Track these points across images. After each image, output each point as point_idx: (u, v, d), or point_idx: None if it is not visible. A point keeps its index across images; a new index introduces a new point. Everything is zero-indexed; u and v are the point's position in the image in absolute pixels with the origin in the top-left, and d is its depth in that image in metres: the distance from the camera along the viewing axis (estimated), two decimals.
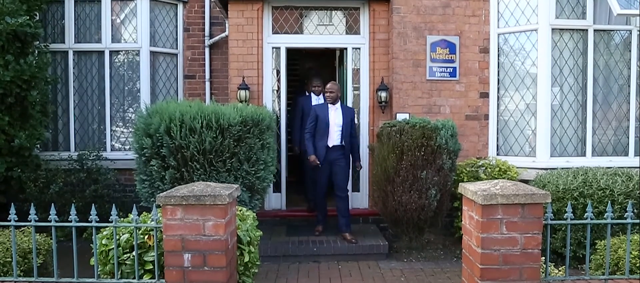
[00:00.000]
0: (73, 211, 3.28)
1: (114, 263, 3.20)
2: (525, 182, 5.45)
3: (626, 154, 5.81)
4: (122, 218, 3.38)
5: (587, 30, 5.70)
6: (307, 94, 6.60)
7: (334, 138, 5.43)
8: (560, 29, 5.71)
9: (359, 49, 6.31)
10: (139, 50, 6.61)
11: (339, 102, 5.51)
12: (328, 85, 5.69)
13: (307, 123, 5.55)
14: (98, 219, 3.24)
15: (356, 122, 6.01)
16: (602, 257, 3.91)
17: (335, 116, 5.44)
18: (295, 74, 9.81)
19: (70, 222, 3.25)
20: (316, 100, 6.30)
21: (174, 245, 2.99)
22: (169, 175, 4.52)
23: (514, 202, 2.94)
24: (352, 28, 6.34)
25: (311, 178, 5.92)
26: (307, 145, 5.47)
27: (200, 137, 4.47)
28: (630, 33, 5.74)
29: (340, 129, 5.42)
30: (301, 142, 6.15)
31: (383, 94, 6.00)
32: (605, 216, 3.33)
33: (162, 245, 3.08)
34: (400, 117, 5.81)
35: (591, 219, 3.26)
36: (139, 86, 6.65)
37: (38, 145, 6.18)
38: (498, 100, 6.08)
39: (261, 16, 6.10)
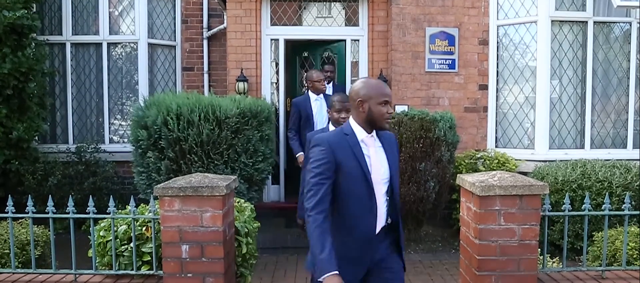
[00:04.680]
0: (71, 202, 3.28)
1: (112, 255, 3.21)
2: (524, 174, 5.45)
3: (625, 146, 5.80)
4: (120, 210, 3.38)
5: (586, 22, 5.67)
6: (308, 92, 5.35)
7: (382, 211, 2.26)
8: (560, 21, 5.69)
9: (358, 40, 6.29)
10: (137, 42, 6.59)
11: (374, 131, 2.34)
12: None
13: (308, 172, 2.25)
14: (96, 211, 3.24)
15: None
16: (599, 248, 3.91)
17: (376, 159, 2.26)
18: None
19: (68, 213, 3.25)
20: (317, 98, 5.19)
21: (171, 237, 2.98)
22: (164, 167, 4.51)
23: (512, 193, 2.93)
24: (351, 20, 6.31)
25: None
26: (318, 245, 2.13)
27: (198, 129, 4.46)
28: (630, 25, 5.72)
29: (387, 186, 2.29)
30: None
31: None
32: (602, 208, 3.33)
33: (159, 236, 3.08)
34: (399, 109, 5.80)
35: (589, 211, 3.26)
36: (137, 78, 6.63)
37: (36, 138, 6.17)
38: (497, 93, 6.07)
39: (259, 8, 6.07)
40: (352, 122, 2.26)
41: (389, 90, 2.26)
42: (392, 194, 2.30)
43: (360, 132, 2.23)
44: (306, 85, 5.42)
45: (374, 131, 2.25)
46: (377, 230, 2.25)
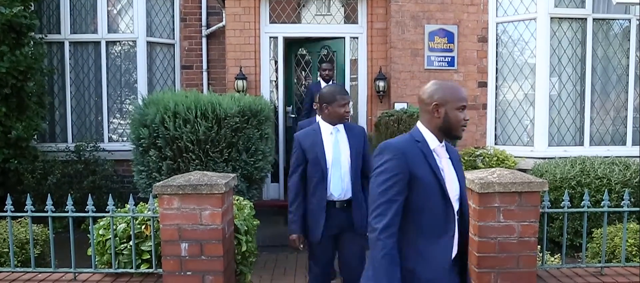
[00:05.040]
0: (69, 201, 3.28)
1: (111, 253, 3.20)
2: (523, 171, 5.43)
3: (624, 144, 5.80)
4: (119, 209, 3.38)
5: (586, 19, 5.66)
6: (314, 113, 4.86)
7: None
8: (559, 18, 5.68)
9: (357, 38, 6.28)
10: (135, 41, 6.57)
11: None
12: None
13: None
14: (95, 209, 3.24)
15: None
16: (598, 245, 3.91)
17: (449, 173, 2.21)
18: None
19: (67, 212, 3.25)
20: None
21: (170, 235, 2.98)
22: (166, 166, 4.51)
23: (511, 190, 2.93)
24: (350, 17, 6.30)
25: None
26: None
27: (193, 127, 4.44)
28: (629, 22, 5.71)
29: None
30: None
31: (381, 84, 5.98)
32: (602, 204, 3.33)
33: (159, 234, 3.08)
34: (399, 106, 5.80)
35: (588, 208, 3.26)
36: (136, 77, 6.62)
37: (35, 137, 6.16)
38: (496, 90, 6.06)
39: (258, 5, 6.06)
40: (421, 127, 1.96)
41: (466, 94, 1.98)
42: (462, 214, 1.97)
43: (432, 140, 1.94)
44: (314, 107, 5.07)
45: (444, 141, 1.99)
46: (453, 256, 1.93)
